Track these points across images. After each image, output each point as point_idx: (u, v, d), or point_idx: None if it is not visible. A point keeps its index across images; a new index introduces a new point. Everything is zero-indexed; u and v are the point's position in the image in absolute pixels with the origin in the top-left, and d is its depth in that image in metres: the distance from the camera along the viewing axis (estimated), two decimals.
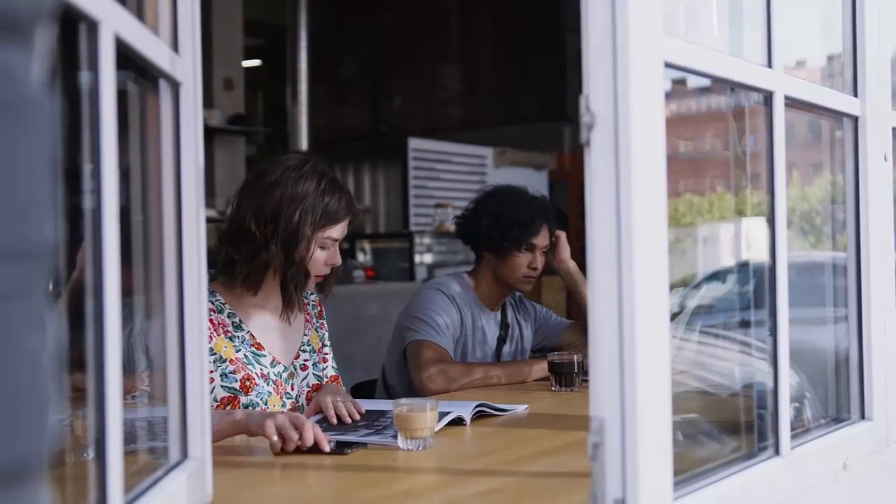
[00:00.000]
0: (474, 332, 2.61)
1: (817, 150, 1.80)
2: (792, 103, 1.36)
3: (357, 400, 1.93)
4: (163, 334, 1.15)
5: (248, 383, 1.92)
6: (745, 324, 1.68)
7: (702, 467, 1.19)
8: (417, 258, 6.49)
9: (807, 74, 1.75)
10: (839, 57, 1.63)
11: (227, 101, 6.81)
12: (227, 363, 1.92)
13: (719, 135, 1.77)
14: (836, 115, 1.59)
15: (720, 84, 1.38)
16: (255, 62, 9.02)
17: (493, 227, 2.58)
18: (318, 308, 2.18)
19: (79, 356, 0.85)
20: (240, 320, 1.98)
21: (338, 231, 1.98)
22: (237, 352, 1.94)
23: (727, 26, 1.63)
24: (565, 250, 2.70)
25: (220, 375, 1.90)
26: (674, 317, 1.94)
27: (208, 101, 6.52)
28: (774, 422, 1.30)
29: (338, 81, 9.05)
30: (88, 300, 0.84)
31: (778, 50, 1.31)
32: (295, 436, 1.57)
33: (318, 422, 1.80)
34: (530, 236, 2.57)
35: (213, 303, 1.95)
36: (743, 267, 1.80)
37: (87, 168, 0.84)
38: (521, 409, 2.02)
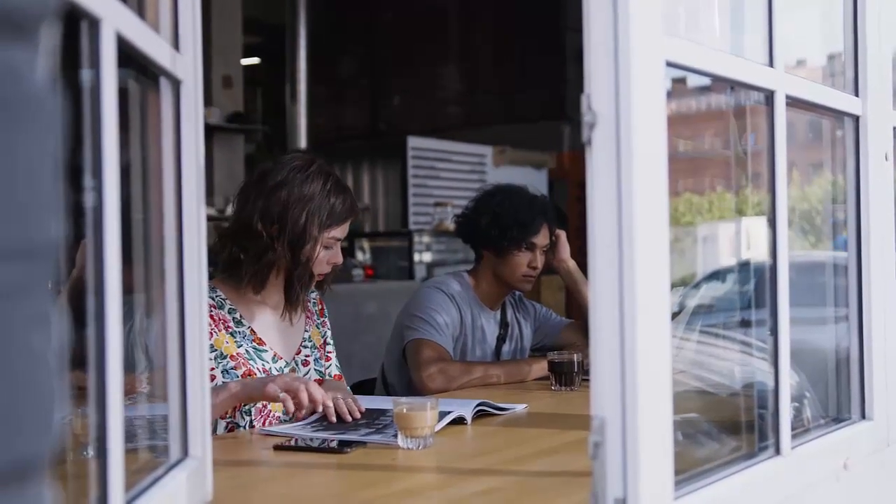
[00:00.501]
0: (474, 330, 2.61)
1: (818, 149, 1.80)
2: (793, 102, 1.36)
3: (357, 397, 1.93)
4: (163, 332, 1.15)
5: (249, 378, 1.93)
6: (745, 323, 1.68)
7: (702, 467, 1.19)
8: (417, 257, 6.49)
9: (808, 74, 1.75)
10: (840, 56, 1.63)
11: (226, 99, 6.81)
12: (228, 359, 1.92)
13: (719, 134, 1.77)
14: (837, 115, 1.59)
15: (720, 83, 1.38)
16: (254, 60, 9.01)
17: (493, 226, 2.58)
18: (320, 306, 2.19)
19: (78, 354, 0.84)
20: (240, 316, 1.99)
21: (341, 231, 2.01)
22: (238, 347, 1.95)
23: (728, 26, 1.63)
24: (565, 249, 2.70)
25: (222, 372, 1.91)
26: (673, 316, 1.94)
27: (207, 100, 6.51)
28: (775, 421, 1.30)
29: (337, 80, 9.05)
30: (89, 298, 0.84)
31: (779, 49, 1.31)
32: (302, 387, 1.68)
33: (317, 420, 1.80)
34: (530, 235, 2.57)
35: (213, 298, 1.96)
36: (743, 266, 1.80)
37: (87, 166, 0.84)
38: (520, 408, 2.02)
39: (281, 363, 2.01)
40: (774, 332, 1.31)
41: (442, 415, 1.75)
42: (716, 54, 1.22)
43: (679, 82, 1.28)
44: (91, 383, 0.84)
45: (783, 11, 1.34)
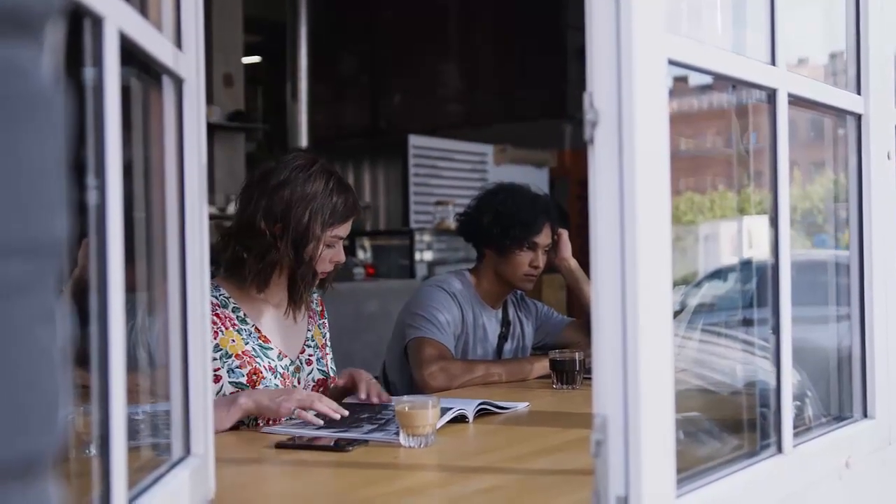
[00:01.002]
0: (475, 329, 2.61)
1: (819, 148, 1.80)
2: (795, 101, 1.36)
3: (340, 407, 1.96)
4: (165, 331, 1.15)
5: (254, 377, 1.93)
6: (747, 322, 1.68)
7: (704, 465, 1.19)
8: (418, 256, 6.49)
9: (810, 72, 1.75)
10: (842, 54, 1.63)
11: (227, 97, 6.81)
12: (233, 358, 1.93)
13: (721, 132, 1.77)
14: (840, 113, 1.59)
15: (722, 81, 1.38)
16: (255, 59, 9.02)
17: (495, 225, 2.58)
18: (321, 307, 2.19)
19: (80, 353, 0.84)
20: (244, 315, 1.99)
21: (344, 230, 2.01)
22: (245, 344, 1.95)
23: (730, 24, 1.63)
24: (567, 248, 2.70)
25: (227, 371, 1.92)
26: (675, 315, 1.94)
27: (208, 98, 6.49)
28: (777, 420, 1.30)
29: (337, 79, 9.05)
30: (92, 296, 0.84)
31: (781, 47, 1.31)
32: (315, 401, 1.77)
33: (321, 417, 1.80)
34: (532, 235, 2.57)
35: (217, 297, 1.96)
36: (745, 265, 1.80)
37: (90, 164, 0.84)
38: (522, 406, 2.02)
39: (286, 361, 2.02)
40: (776, 330, 1.31)
41: (443, 412, 1.75)
42: (718, 52, 1.22)
43: (681, 81, 1.28)
44: (94, 381, 0.84)
45: (785, 10, 1.34)
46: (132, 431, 1.15)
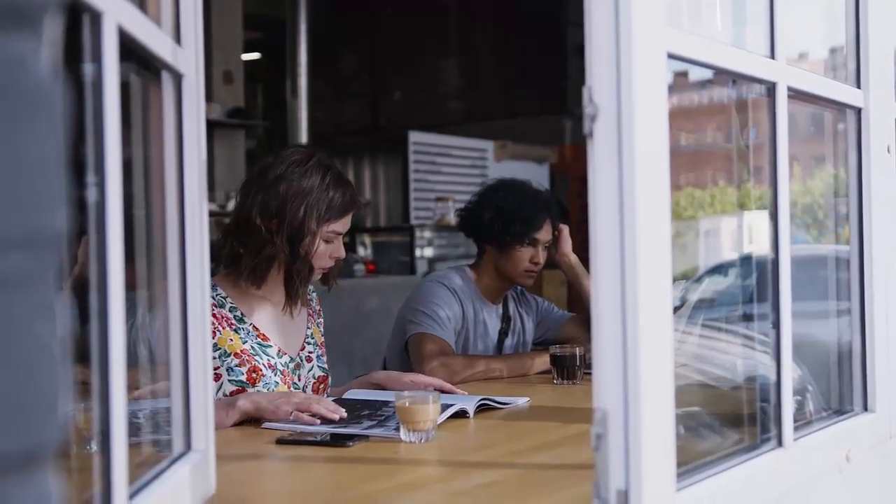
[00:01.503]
0: (476, 324, 2.61)
1: (820, 143, 1.80)
2: (795, 95, 1.36)
3: (359, 391, 1.96)
4: (166, 327, 1.15)
5: (254, 375, 1.94)
6: (747, 317, 1.68)
7: (705, 459, 1.20)
8: (418, 252, 6.49)
9: (810, 66, 1.75)
10: (842, 49, 1.63)
11: (227, 94, 6.81)
12: (232, 357, 1.93)
13: (721, 127, 1.77)
14: (840, 107, 1.59)
15: (722, 76, 1.38)
16: (255, 55, 9.01)
17: (495, 220, 2.58)
18: (318, 306, 2.20)
19: (80, 350, 0.85)
20: (242, 314, 1.99)
21: (342, 225, 2.00)
22: (244, 343, 1.95)
23: (730, 18, 1.63)
24: (567, 244, 2.70)
25: (226, 370, 1.92)
26: (676, 310, 1.94)
27: (208, 95, 6.48)
28: (777, 414, 1.30)
29: (338, 75, 9.05)
30: (92, 294, 0.84)
31: (781, 41, 1.31)
32: (314, 405, 1.75)
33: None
34: (533, 231, 2.57)
35: (214, 297, 1.96)
36: (745, 260, 1.80)
37: (90, 161, 0.84)
38: (522, 401, 2.02)
39: (286, 358, 2.02)
40: (776, 324, 1.31)
41: (444, 408, 1.75)
42: (717, 46, 1.21)
43: (681, 75, 1.28)
44: (94, 378, 0.84)
45: (785, 4, 1.34)
46: (133, 428, 1.15)
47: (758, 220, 1.56)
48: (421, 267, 6.40)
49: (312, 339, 2.12)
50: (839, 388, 1.64)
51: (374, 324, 5.01)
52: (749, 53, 1.30)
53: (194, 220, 1.15)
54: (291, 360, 2.04)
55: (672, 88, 1.21)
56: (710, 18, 1.53)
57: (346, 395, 2.03)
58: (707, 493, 1.12)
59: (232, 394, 1.91)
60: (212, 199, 5.92)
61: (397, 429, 1.63)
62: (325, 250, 1.99)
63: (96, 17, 0.83)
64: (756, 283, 1.62)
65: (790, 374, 1.31)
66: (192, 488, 1.10)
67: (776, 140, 1.31)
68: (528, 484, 1.37)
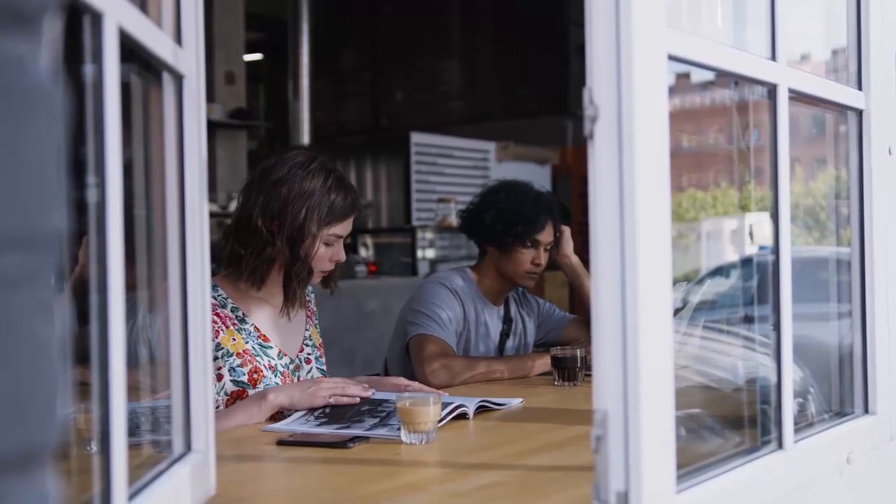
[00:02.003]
0: (477, 326, 2.61)
1: (822, 145, 1.80)
2: (796, 97, 1.36)
3: (367, 386, 1.97)
4: (166, 327, 1.15)
5: (255, 375, 1.94)
6: (748, 319, 1.68)
7: (705, 461, 1.19)
8: (420, 253, 6.49)
9: (812, 68, 1.75)
10: (844, 51, 1.63)
11: (229, 95, 6.81)
12: (234, 357, 1.93)
13: (723, 129, 1.77)
14: (841, 109, 1.59)
15: (724, 78, 1.38)
16: (257, 56, 9.02)
17: (497, 222, 2.58)
18: (315, 308, 2.20)
19: (81, 350, 0.85)
20: (243, 314, 1.99)
21: (342, 228, 2.00)
22: (246, 343, 1.96)
23: (732, 20, 1.63)
24: (569, 245, 2.70)
25: (228, 370, 1.92)
26: (678, 312, 1.94)
27: (209, 95, 6.52)
28: (777, 416, 1.30)
29: (339, 76, 9.05)
30: (92, 294, 0.84)
31: (782, 43, 1.30)
32: (345, 386, 1.83)
33: (319, 415, 1.80)
34: (535, 232, 2.57)
35: (215, 298, 1.96)
36: (747, 262, 1.80)
37: (90, 161, 0.84)
38: (516, 402, 2.02)
39: (286, 360, 2.03)
40: (777, 326, 1.31)
41: (443, 409, 1.75)
42: (718, 48, 1.21)
43: (683, 77, 1.28)
44: (94, 378, 0.84)
45: (786, 5, 1.34)
46: (134, 428, 1.15)
47: (760, 222, 1.56)
48: (422, 268, 6.40)
49: (311, 340, 2.13)
50: (840, 390, 1.64)
51: (375, 325, 5.01)
52: (750, 55, 1.29)
53: (195, 221, 1.15)
54: (291, 361, 2.04)
55: (674, 90, 1.21)
56: (710, 20, 1.53)
57: None
58: (707, 496, 1.12)
59: (233, 394, 1.91)
60: (213, 199, 5.93)
61: (399, 429, 1.63)
62: (326, 253, 1.99)
63: (97, 18, 0.83)
64: (757, 285, 1.62)
65: (790, 376, 1.31)
66: (191, 489, 1.10)
67: (777, 142, 1.31)
68: (528, 485, 1.37)
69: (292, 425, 1.75)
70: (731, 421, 1.50)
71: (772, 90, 1.31)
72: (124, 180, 0.87)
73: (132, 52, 0.97)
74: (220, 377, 1.91)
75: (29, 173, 0.48)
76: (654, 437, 0.99)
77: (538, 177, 6.66)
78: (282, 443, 1.64)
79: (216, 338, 1.92)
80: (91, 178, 0.84)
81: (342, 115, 9.11)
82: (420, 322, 2.47)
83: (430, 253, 6.56)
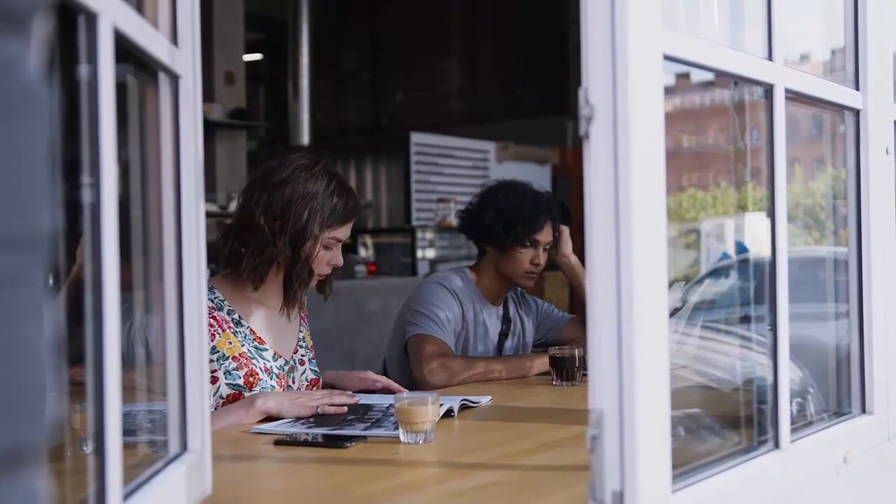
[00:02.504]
0: (476, 326, 2.61)
1: (822, 145, 1.80)
2: (793, 96, 1.36)
3: (353, 393, 1.99)
4: (162, 327, 1.15)
5: (251, 378, 1.94)
6: (747, 319, 1.68)
7: (701, 461, 1.19)
8: (419, 253, 6.49)
9: (811, 69, 1.75)
10: (842, 51, 1.63)
11: (228, 95, 6.81)
12: (230, 360, 1.94)
13: (723, 129, 1.77)
14: (838, 109, 1.59)
15: (724, 78, 1.38)
16: (257, 56, 9.02)
17: (496, 222, 2.58)
18: (306, 310, 2.21)
19: (79, 350, 0.85)
20: (239, 317, 2.00)
21: (343, 232, 2.02)
22: (242, 346, 1.96)
23: (729, 20, 1.63)
24: (568, 245, 2.70)
25: (224, 373, 1.92)
26: (676, 312, 1.94)
27: (209, 96, 6.53)
28: (774, 415, 1.30)
29: (339, 76, 9.05)
30: (87, 294, 0.84)
31: (778, 43, 1.31)
32: (331, 396, 1.87)
33: (310, 421, 1.81)
34: (534, 232, 2.57)
35: (212, 300, 1.97)
36: (746, 262, 1.80)
37: (85, 162, 0.84)
38: (485, 400, 2.04)
39: (280, 361, 2.03)
40: (773, 326, 1.31)
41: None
42: (714, 48, 1.21)
43: (683, 77, 1.28)
44: (89, 378, 0.84)
45: (785, 5, 1.34)
46: (130, 428, 1.15)
47: (758, 222, 1.55)
48: (422, 268, 6.40)
49: (304, 342, 2.14)
50: (837, 390, 1.64)
51: (375, 325, 5.01)
52: (746, 55, 1.29)
53: (191, 221, 1.15)
54: (286, 362, 2.05)
55: (674, 90, 1.21)
56: (708, 20, 1.53)
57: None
58: (703, 495, 1.12)
59: (229, 397, 1.92)
60: (213, 199, 5.93)
61: (394, 428, 1.64)
62: (324, 257, 2.00)
63: (92, 18, 0.83)
64: (756, 285, 1.62)
65: (787, 375, 1.31)
66: (187, 489, 1.10)
67: (774, 142, 1.31)
68: (526, 485, 1.37)
69: (281, 427, 1.75)
70: (728, 420, 1.50)
71: (768, 90, 1.31)
72: (121, 181, 0.87)
73: (128, 52, 0.97)
74: (214, 380, 1.91)
75: (18, 173, 0.48)
76: (649, 437, 0.99)
77: (538, 177, 6.66)
78: (279, 443, 1.64)
79: (212, 341, 1.92)
80: (86, 179, 0.84)
81: (342, 116, 9.11)
82: (418, 322, 2.47)
83: (430, 253, 6.57)
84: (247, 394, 1.92)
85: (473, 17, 8.61)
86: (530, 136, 7.61)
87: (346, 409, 1.85)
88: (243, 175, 6.19)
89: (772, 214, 1.31)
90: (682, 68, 1.17)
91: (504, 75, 8.40)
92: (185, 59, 1.15)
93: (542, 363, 2.44)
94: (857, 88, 1.57)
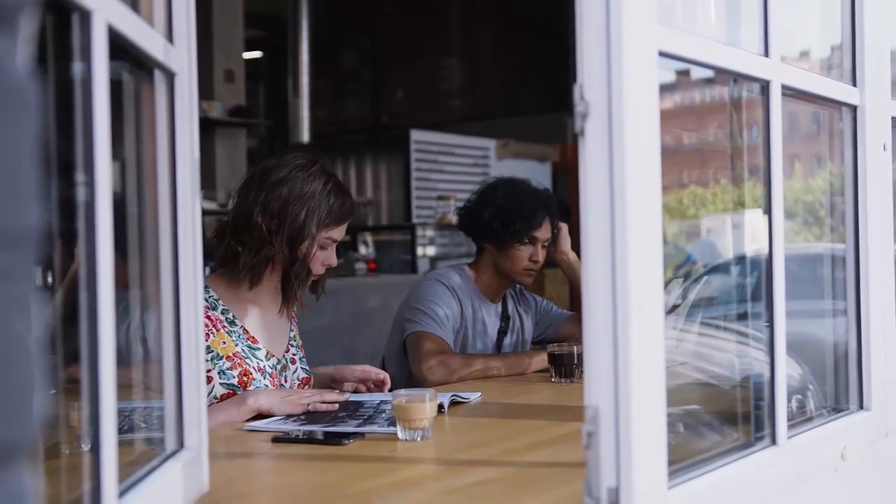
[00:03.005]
0: (475, 323, 2.61)
1: (823, 142, 1.79)
2: (789, 93, 1.35)
3: (344, 392, 1.99)
4: (159, 325, 1.15)
5: (245, 378, 1.95)
6: (746, 315, 1.68)
7: (697, 457, 1.19)
8: (420, 251, 6.49)
9: (810, 66, 1.75)
10: (840, 47, 1.63)
11: (228, 93, 6.81)
12: (224, 360, 1.94)
13: (723, 126, 1.76)
14: (835, 105, 1.58)
15: (724, 75, 1.38)
16: (257, 54, 9.02)
17: (494, 219, 2.58)
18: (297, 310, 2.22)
19: (77, 348, 0.85)
20: (233, 316, 2.00)
21: (338, 232, 2.03)
22: (236, 346, 1.97)
23: (727, 17, 1.63)
24: (566, 242, 2.70)
25: (218, 373, 1.93)
26: (675, 308, 1.94)
27: (209, 94, 6.53)
28: (771, 411, 1.30)
29: (339, 74, 9.05)
30: (82, 291, 0.84)
31: (775, 39, 1.30)
32: (322, 394, 1.89)
33: (301, 418, 1.81)
34: (532, 229, 2.57)
35: (206, 300, 1.97)
36: (746, 259, 1.80)
37: (79, 160, 0.84)
38: (475, 396, 2.05)
39: (273, 360, 2.04)
40: (770, 322, 1.31)
41: None
42: (710, 44, 1.21)
43: (683, 74, 1.28)
44: (84, 375, 0.84)
45: (781, 2, 1.34)
46: (129, 426, 1.15)
47: (757, 219, 1.55)
48: (422, 266, 6.40)
49: (295, 341, 2.15)
50: (835, 386, 1.64)
51: (375, 322, 5.01)
52: (742, 51, 1.29)
53: (187, 219, 1.16)
54: (279, 361, 2.06)
55: (675, 86, 1.20)
56: (705, 17, 1.53)
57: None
58: (699, 491, 1.12)
59: (223, 396, 1.92)
60: (212, 197, 5.93)
61: (389, 424, 1.64)
62: (319, 257, 2.01)
63: (85, 16, 0.83)
64: (755, 282, 1.62)
65: (784, 372, 1.31)
66: (184, 486, 1.10)
67: (770, 138, 1.31)
68: (522, 482, 1.37)
69: (274, 425, 1.75)
70: (726, 417, 1.50)
71: (764, 86, 1.31)
72: (117, 179, 0.87)
73: (124, 49, 0.97)
74: (209, 380, 1.91)
75: (5, 171, 0.48)
76: (645, 434, 0.99)
77: (538, 174, 6.65)
78: (277, 440, 1.64)
79: (206, 341, 1.92)
80: (80, 177, 0.84)
81: (342, 114, 9.10)
82: (417, 319, 2.47)
83: (431, 250, 6.56)
84: (240, 392, 1.92)
85: (473, 15, 8.61)
86: (530, 133, 7.60)
87: (337, 406, 1.86)
88: (243, 173, 6.18)
89: (768, 211, 1.31)
90: (684, 65, 1.17)
91: (504, 72, 8.39)
92: (180, 57, 1.15)
93: (540, 360, 2.44)
94: (855, 84, 1.57)
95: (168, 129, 1.14)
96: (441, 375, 2.36)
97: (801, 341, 1.53)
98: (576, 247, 2.72)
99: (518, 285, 2.73)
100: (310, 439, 1.63)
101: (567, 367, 2.30)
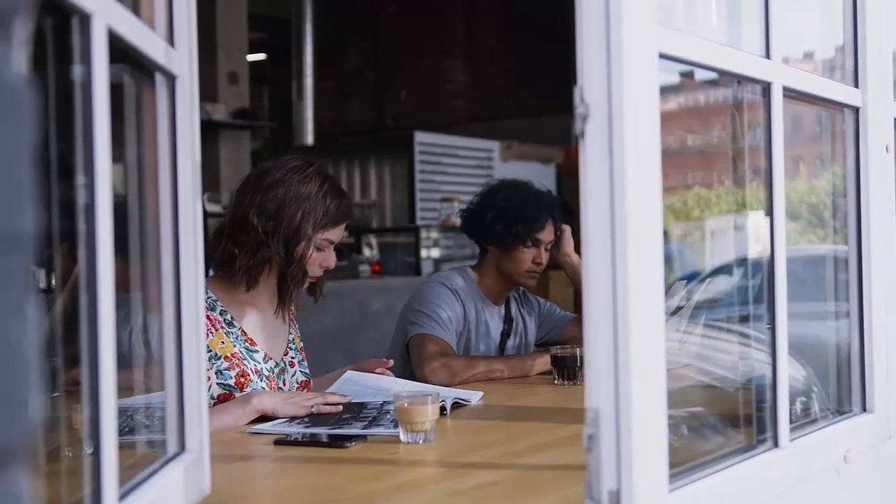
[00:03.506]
0: (478, 325, 2.61)
1: (827, 143, 1.79)
2: (791, 94, 1.35)
3: (345, 394, 1.99)
4: (160, 328, 1.15)
5: (242, 379, 1.95)
6: (749, 317, 1.68)
7: (699, 459, 1.19)
8: (424, 253, 6.49)
9: (812, 67, 1.74)
10: (842, 49, 1.62)
11: (232, 95, 6.82)
12: (222, 360, 1.94)
13: (727, 127, 1.76)
14: (837, 107, 1.58)
15: (727, 77, 1.37)
16: (260, 56, 9.03)
17: (497, 221, 2.57)
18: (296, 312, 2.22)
19: (79, 351, 0.85)
20: (231, 318, 2.00)
21: (335, 234, 2.02)
22: (234, 347, 1.97)
23: (728, 19, 1.63)
24: (569, 244, 2.70)
25: (216, 373, 1.93)
26: (678, 310, 1.94)
27: (213, 96, 6.54)
28: (773, 414, 1.30)
29: (343, 76, 9.05)
30: (82, 294, 0.84)
31: (776, 41, 1.30)
32: (325, 397, 1.88)
33: (305, 421, 1.81)
34: (535, 231, 2.57)
35: (205, 301, 1.97)
36: (749, 261, 1.80)
37: (80, 163, 0.84)
38: (476, 397, 2.05)
39: (271, 363, 2.04)
40: (772, 324, 1.31)
41: None
42: (711, 46, 1.21)
43: (687, 76, 1.28)
44: (84, 378, 0.84)
45: (783, 4, 1.33)
46: (130, 428, 1.15)
47: (760, 221, 1.55)
48: (426, 268, 6.40)
49: (294, 344, 2.14)
50: (838, 388, 1.63)
51: (379, 324, 5.01)
52: (744, 53, 1.29)
53: (188, 221, 1.16)
54: (277, 364, 2.06)
55: (678, 88, 1.20)
56: (706, 18, 1.52)
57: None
58: (700, 494, 1.12)
59: (219, 397, 1.92)
60: (216, 200, 5.93)
61: (393, 426, 1.64)
62: (316, 258, 2.01)
63: (85, 19, 0.84)
64: (758, 283, 1.62)
65: (786, 374, 1.31)
66: (185, 489, 1.10)
67: (772, 140, 1.31)
68: (524, 484, 1.37)
69: (278, 427, 1.75)
70: (729, 419, 1.50)
71: (766, 88, 1.30)
72: (119, 182, 0.87)
73: (125, 53, 0.97)
74: (206, 379, 1.91)
75: (1, 175, 0.48)
76: (646, 436, 0.99)
77: (542, 176, 6.66)
78: (279, 442, 1.64)
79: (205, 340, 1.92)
80: (80, 180, 0.84)
81: (346, 115, 9.11)
82: (420, 322, 2.47)
83: (435, 252, 6.56)
84: (237, 394, 1.92)
85: (476, 17, 8.60)
86: (534, 134, 7.60)
87: (340, 408, 1.86)
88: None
89: (770, 213, 1.31)
90: (685, 67, 1.17)
91: (507, 74, 8.39)
92: (181, 60, 1.15)
93: (543, 362, 2.44)
94: (857, 86, 1.57)
95: (169, 131, 1.14)
96: (444, 378, 2.35)
97: (805, 343, 1.53)
98: (579, 249, 2.72)
99: (521, 287, 2.73)
100: (312, 442, 1.63)
101: (570, 369, 2.29)
